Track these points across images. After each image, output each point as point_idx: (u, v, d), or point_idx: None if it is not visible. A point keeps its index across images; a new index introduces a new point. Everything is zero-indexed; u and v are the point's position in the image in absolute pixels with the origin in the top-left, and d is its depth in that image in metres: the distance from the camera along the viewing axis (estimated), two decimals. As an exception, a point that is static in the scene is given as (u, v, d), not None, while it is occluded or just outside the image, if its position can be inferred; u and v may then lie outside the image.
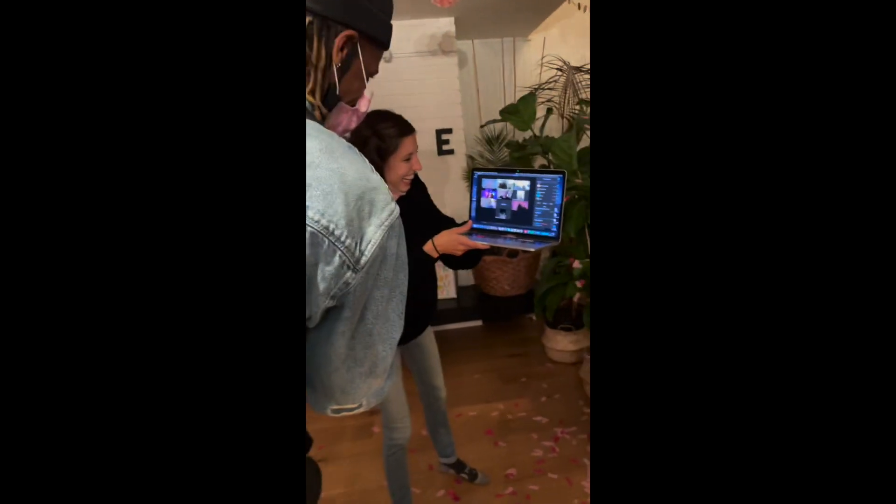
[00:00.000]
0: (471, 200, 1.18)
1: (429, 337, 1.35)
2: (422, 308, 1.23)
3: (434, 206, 1.27)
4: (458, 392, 2.09)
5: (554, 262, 2.32)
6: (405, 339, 1.25)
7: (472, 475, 1.57)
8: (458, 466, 1.58)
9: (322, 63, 0.51)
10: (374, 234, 0.45)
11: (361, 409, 0.55)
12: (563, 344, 2.29)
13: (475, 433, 1.82)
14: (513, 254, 2.44)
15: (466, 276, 2.75)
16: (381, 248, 0.46)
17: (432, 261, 1.12)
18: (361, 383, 0.51)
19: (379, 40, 0.55)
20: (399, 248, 0.49)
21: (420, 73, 2.49)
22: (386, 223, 0.46)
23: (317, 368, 0.49)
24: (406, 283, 0.51)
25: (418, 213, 1.20)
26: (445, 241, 1.09)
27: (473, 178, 1.19)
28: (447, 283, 2.62)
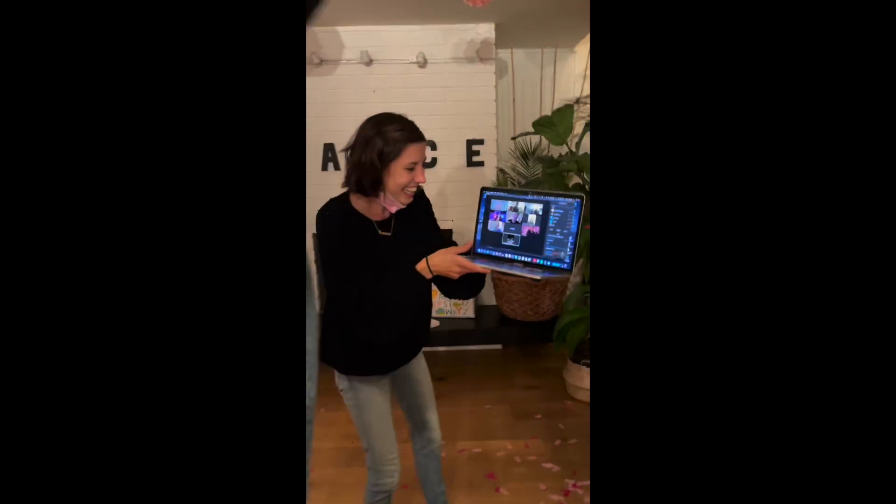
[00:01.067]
0: (476, 222, 1.04)
1: (419, 365, 1.21)
2: (411, 332, 1.11)
3: (436, 226, 1.14)
4: (463, 423, 1.93)
5: (582, 289, 2.13)
6: (392, 367, 1.11)
7: None
8: None
9: None
10: None
11: None
12: (586, 381, 2.09)
13: (475, 475, 1.65)
14: (538, 277, 2.25)
15: (488, 296, 2.59)
16: None
17: (426, 282, 0.98)
18: None
19: None
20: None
21: (455, 80, 2.37)
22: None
23: None
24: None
25: (416, 229, 1.07)
26: (440, 260, 0.96)
27: (482, 197, 1.05)
28: (466, 302, 2.47)
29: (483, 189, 1.05)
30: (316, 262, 1.83)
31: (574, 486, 1.58)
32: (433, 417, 1.25)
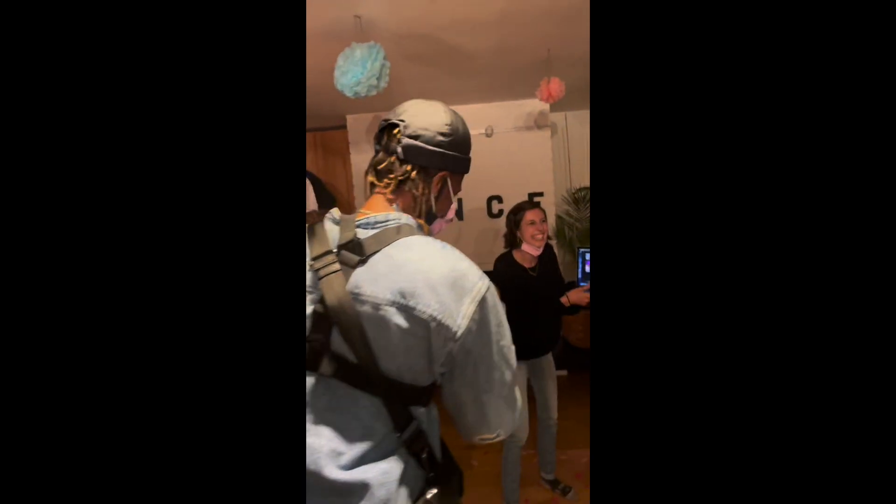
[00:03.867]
0: (579, 269, 1.52)
1: (548, 360, 1.70)
2: (545, 336, 1.63)
3: (558, 271, 1.67)
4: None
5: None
6: (531, 356, 1.61)
7: (565, 491, 1.88)
8: (554, 483, 1.90)
9: (423, 197, 0.70)
10: (466, 309, 0.58)
11: (500, 438, 0.73)
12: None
13: (565, 475, 1.98)
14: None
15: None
16: (474, 318, 0.59)
17: (562, 308, 1.50)
18: (492, 418, 0.67)
19: (462, 172, 0.76)
20: (494, 308, 0.62)
21: (517, 145, 2.83)
22: (476, 298, 0.60)
23: (456, 411, 0.68)
24: (508, 334, 0.65)
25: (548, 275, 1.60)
26: (577, 296, 1.50)
27: (578, 254, 1.51)
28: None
29: (579, 248, 1.50)
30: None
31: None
32: (552, 401, 1.69)
